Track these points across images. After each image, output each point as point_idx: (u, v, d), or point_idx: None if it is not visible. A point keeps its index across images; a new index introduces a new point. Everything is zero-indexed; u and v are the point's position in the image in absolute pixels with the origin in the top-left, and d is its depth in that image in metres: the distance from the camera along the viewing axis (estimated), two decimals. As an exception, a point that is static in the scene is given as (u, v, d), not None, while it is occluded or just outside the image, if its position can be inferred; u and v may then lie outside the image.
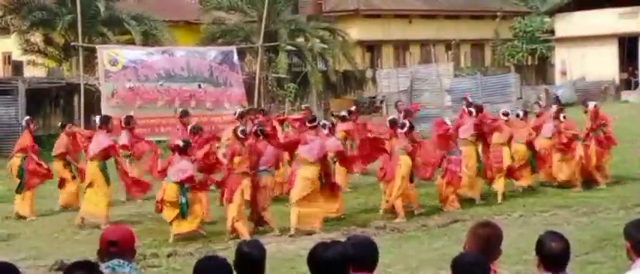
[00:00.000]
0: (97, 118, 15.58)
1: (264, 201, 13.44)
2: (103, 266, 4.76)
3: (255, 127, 14.24)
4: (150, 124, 20.12)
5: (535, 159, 16.93)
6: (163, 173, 13.43)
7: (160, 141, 21.44)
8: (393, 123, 15.06)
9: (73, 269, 4.33)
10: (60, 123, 17.11)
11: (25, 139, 15.80)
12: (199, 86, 21.29)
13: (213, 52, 22.84)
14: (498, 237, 5.14)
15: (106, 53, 21.27)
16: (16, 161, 15.62)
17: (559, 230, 5.33)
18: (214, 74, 21.63)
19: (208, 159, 13.52)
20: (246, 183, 12.98)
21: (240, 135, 13.33)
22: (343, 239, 5.09)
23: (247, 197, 12.98)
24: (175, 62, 21.46)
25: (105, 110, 19.89)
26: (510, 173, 16.32)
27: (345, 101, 34.72)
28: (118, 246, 4.95)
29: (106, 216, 14.00)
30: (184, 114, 17.21)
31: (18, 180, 15.46)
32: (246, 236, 12.31)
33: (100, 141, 14.37)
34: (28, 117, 16.94)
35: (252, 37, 32.12)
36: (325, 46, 35.41)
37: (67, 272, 4.32)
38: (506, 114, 16.97)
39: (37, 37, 32.82)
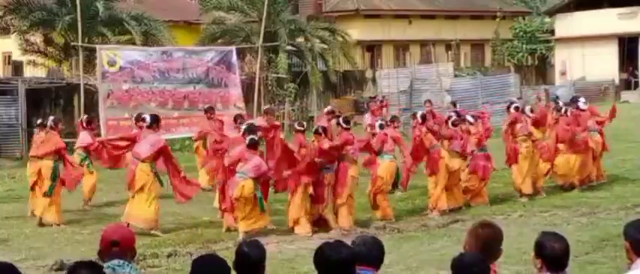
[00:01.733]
0: (143, 116, 15.15)
1: (326, 199, 13.59)
2: (103, 267, 4.76)
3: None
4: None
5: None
6: (232, 171, 13.17)
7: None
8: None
9: (77, 268, 4.33)
10: (40, 122, 15.74)
11: (57, 141, 14.85)
12: (194, 87, 21.32)
13: (211, 53, 22.82)
14: (498, 237, 5.14)
15: (104, 54, 21.28)
16: (47, 163, 14.56)
17: (559, 230, 5.34)
18: (210, 75, 21.62)
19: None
20: (309, 179, 13.28)
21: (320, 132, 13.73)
22: (343, 239, 5.12)
23: (311, 192, 13.39)
24: (172, 63, 21.46)
25: (102, 110, 19.91)
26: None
27: (345, 101, 34.74)
28: (120, 246, 4.95)
29: (155, 221, 13.62)
30: (210, 109, 18.01)
31: (49, 183, 14.50)
32: (308, 230, 13.08)
33: (151, 140, 13.87)
34: (55, 117, 16.42)
35: (252, 37, 32.09)
36: (325, 46, 35.40)
37: (71, 271, 4.32)
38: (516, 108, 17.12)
39: (37, 37, 32.80)
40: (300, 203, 13.30)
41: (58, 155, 14.74)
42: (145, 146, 13.72)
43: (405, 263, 10.98)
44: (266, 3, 26.73)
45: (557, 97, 21.95)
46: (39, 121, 15.93)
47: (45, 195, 14.51)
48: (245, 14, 35.15)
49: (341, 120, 14.58)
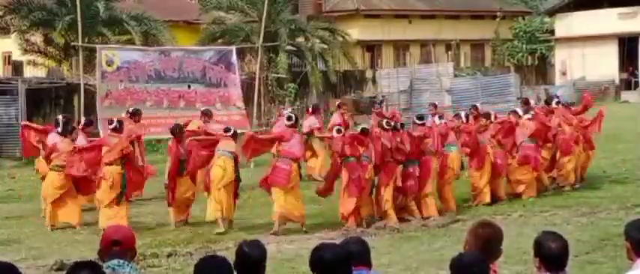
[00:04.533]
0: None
1: (413, 190, 14.29)
2: (103, 266, 4.76)
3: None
4: (140, 124, 20.19)
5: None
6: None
7: (159, 140, 21.60)
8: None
9: (77, 268, 4.33)
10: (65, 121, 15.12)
11: (126, 145, 14.00)
12: (189, 86, 21.31)
13: (210, 52, 22.82)
14: (499, 237, 5.14)
15: (103, 54, 21.31)
16: (116, 168, 13.64)
17: (559, 230, 5.34)
18: (207, 75, 21.61)
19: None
20: (398, 171, 14.04)
21: (386, 126, 14.25)
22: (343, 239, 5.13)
23: (399, 184, 14.06)
24: (168, 63, 21.46)
25: (99, 110, 19.94)
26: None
27: (345, 101, 34.69)
28: (121, 246, 4.95)
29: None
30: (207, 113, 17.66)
31: (118, 190, 13.67)
32: (394, 220, 13.71)
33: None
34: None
35: (252, 37, 32.09)
36: (325, 46, 35.40)
37: (70, 271, 4.32)
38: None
39: (37, 37, 32.80)
40: (389, 196, 13.94)
41: (125, 159, 13.88)
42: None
43: (405, 263, 10.98)
44: (266, 3, 26.73)
45: (557, 97, 21.84)
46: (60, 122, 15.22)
47: (117, 203, 13.64)
48: (245, 14, 35.14)
49: (415, 117, 15.67)
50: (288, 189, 13.48)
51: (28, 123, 16.95)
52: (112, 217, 13.25)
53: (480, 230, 5.13)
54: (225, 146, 13.87)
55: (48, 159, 14.79)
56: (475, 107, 17.94)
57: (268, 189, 13.66)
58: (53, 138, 14.88)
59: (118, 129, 14.14)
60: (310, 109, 20.20)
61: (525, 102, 18.32)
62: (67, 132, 14.81)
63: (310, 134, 18.77)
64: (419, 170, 14.35)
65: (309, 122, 19.20)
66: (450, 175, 15.17)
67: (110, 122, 14.54)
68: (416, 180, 14.31)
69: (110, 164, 13.62)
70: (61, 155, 14.23)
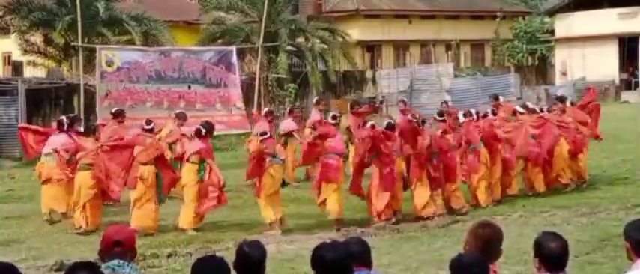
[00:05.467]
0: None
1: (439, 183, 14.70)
2: (103, 266, 4.76)
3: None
4: (139, 125, 20.18)
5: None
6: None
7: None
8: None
9: (75, 269, 4.33)
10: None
11: (159, 146, 14.14)
12: (189, 87, 21.31)
13: (210, 52, 22.83)
14: (498, 237, 5.14)
15: (103, 54, 21.33)
16: (150, 168, 13.60)
17: (559, 230, 5.34)
18: (207, 75, 21.62)
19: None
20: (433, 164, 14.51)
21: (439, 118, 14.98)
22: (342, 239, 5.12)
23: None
24: (168, 63, 21.48)
25: (99, 110, 19.94)
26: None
27: (346, 101, 34.71)
28: (123, 246, 4.96)
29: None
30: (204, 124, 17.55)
31: (153, 190, 13.68)
32: (433, 211, 14.17)
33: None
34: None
35: (252, 37, 32.07)
36: (325, 46, 35.38)
37: (68, 272, 4.32)
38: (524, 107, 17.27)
39: (37, 38, 32.78)
40: (426, 189, 14.33)
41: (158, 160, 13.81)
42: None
43: (405, 263, 10.98)
44: (266, 3, 26.74)
45: (557, 97, 21.86)
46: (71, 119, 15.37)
47: (157, 203, 13.68)
48: (245, 14, 35.12)
49: (461, 114, 16.04)
50: (341, 183, 14.00)
51: (25, 125, 16.82)
52: (144, 218, 13.38)
53: (480, 230, 5.13)
54: (277, 152, 14.00)
55: (67, 162, 14.49)
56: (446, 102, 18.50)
57: (319, 188, 13.94)
58: (59, 139, 14.76)
59: (151, 130, 14.25)
60: (287, 111, 20.34)
61: (495, 98, 18.65)
62: (91, 131, 14.60)
63: (288, 136, 18.67)
64: (443, 165, 14.75)
65: (286, 124, 19.06)
66: (483, 171, 15.48)
67: (148, 122, 14.43)
68: (441, 173, 14.65)
69: (145, 164, 13.62)
70: (89, 154, 13.83)
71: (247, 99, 23.37)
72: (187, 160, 13.79)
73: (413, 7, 45.84)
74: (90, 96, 23.36)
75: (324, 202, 13.92)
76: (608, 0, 41.97)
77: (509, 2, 49.73)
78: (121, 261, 4.88)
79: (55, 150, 14.78)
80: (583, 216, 14.15)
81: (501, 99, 18.76)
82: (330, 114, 15.86)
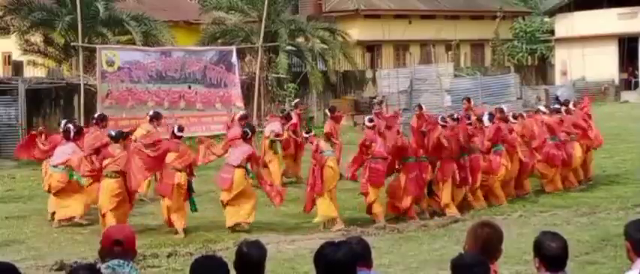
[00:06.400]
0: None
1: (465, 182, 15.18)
2: (103, 266, 4.75)
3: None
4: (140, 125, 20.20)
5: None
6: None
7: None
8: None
9: (74, 271, 4.33)
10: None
11: (190, 153, 14.11)
12: (189, 87, 21.31)
13: (211, 52, 22.84)
14: (498, 237, 5.13)
15: (103, 53, 21.33)
16: (182, 175, 13.65)
17: (559, 230, 5.33)
18: (208, 75, 21.63)
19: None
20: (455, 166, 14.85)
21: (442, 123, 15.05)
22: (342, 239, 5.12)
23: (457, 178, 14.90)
24: (170, 63, 21.48)
25: (99, 110, 19.94)
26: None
27: (346, 101, 34.72)
28: (123, 246, 4.95)
29: None
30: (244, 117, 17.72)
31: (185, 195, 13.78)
32: (456, 212, 14.55)
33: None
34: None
35: (252, 37, 32.07)
36: (325, 46, 35.36)
37: (68, 274, 4.32)
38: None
39: (37, 37, 32.77)
40: (451, 189, 14.77)
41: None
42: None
43: (405, 263, 10.98)
44: (266, 3, 26.74)
45: (557, 97, 21.93)
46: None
47: (192, 210, 13.87)
48: (245, 14, 35.12)
49: (486, 116, 16.46)
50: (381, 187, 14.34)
51: (37, 136, 16.07)
52: (181, 220, 13.49)
53: (479, 230, 5.13)
54: (328, 147, 14.15)
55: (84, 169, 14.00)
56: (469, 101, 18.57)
57: (367, 192, 14.17)
58: (66, 149, 14.39)
59: (182, 136, 14.25)
60: (270, 115, 20.40)
61: (467, 100, 18.91)
62: (121, 137, 13.84)
63: (274, 139, 18.58)
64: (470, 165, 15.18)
65: (272, 127, 18.81)
66: (504, 173, 15.90)
67: (179, 128, 14.32)
68: (467, 173, 15.07)
69: (180, 171, 13.61)
70: (117, 160, 13.32)
71: (247, 99, 23.37)
72: (239, 166, 13.87)
73: (413, 7, 45.81)
74: (90, 96, 23.35)
75: (371, 207, 14.22)
76: (608, 0, 41.96)
77: (510, 2, 49.71)
78: (122, 261, 4.87)
79: (88, 156, 13.98)
80: (583, 216, 14.15)
81: (505, 107, 18.66)
82: (367, 117, 16.00)
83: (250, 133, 14.62)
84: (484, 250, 4.91)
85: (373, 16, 44.40)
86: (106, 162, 13.36)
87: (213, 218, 14.44)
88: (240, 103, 21.75)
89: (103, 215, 13.27)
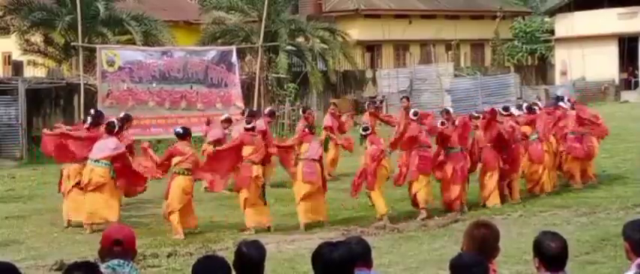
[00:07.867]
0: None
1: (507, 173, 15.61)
2: (102, 266, 4.75)
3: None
4: (141, 125, 20.23)
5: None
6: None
7: (160, 141, 21.60)
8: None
9: (73, 269, 4.32)
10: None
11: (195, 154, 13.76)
12: (191, 87, 21.32)
13: (212, 52, 22.84)
14: (495, 236, 5.13)
15: (104, 53, 21.33)
16: (258, 168, 13.80)
17: (559, 230, 5.33)
18: (209, 75, 21.63)
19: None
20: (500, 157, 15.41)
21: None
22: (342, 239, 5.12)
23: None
24: (172, 64, 21.48)
25: (100, 110, 19.92)
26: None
27: (346, 101, 34.72)
28: (123, 246, 4.94)
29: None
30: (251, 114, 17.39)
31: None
32: (498, 201, 15.10)
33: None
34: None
35: (252, 37, 32.08)
36: (325, 46, 35.36)
37: (66, 272, 4.32)
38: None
39: (37, 37, 32.78)
40: (494, 182, 15.23)
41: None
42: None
43: (404, 263, 10.98)
44: (266, 3, 26.74)
45: (556, 97, 21.90)
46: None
47: (264, 203, 13.87)
48: (245, 14, 35.13)
49: (501, 108, 16.67)
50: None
51: (65, 131, 15.30)
52: (258, 215, 13.54)
53: (475, 231, 5.14)
54: (381, 144, 14.32)
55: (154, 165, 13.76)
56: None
57: (416, 179, 14.47)
58: (109, 144, 13.74)
59: (253, 128, 14.21)
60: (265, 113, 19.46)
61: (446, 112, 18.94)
62: (188, 134, 13.78)
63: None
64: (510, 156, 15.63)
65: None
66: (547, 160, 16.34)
67: (248, 121, 14.42)
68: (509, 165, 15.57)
69: (256, 163, 13.64)
70: (188, 158, 13.24)
71: (247, 99, 23.36)
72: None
73: (413, 7, 45.80)
74: (90, 96, 23.35)
75: (415, 197, 14.52)
76: (608, 0, 41.96)
77: (510, 2, 49.71)
78: (122, 261, 4.87)
79: (144, 149, 14.05)
80: (583, 216, 14.15)
81: (513, 108, 18.82)
82: (412, 110, 16.09)
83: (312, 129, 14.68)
84: (481, 250, 4.92)
85: (373, 15, 44.39)
86: (176, 159, 13.30)
87: (212, 219, 14.44)
88: (240, 103, 21.73)
89: (170, 213, 13.22)
